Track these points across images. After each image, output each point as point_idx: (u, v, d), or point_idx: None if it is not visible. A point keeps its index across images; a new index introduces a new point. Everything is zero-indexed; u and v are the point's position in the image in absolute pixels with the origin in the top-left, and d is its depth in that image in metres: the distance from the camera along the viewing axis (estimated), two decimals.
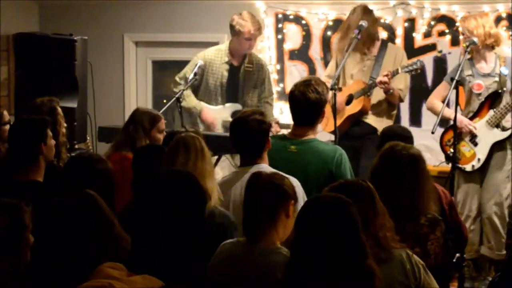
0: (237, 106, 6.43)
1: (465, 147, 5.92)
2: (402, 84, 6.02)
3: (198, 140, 3.90)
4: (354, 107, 6.04)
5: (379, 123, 5.95)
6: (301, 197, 3.89)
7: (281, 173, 3.68)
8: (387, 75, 5.80)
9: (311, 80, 4.47)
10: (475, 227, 6.01)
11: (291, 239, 3.05)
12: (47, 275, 2.75)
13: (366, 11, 6.16)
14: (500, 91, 5.84)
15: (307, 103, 4.36)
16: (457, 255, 5.27)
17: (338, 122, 5.95)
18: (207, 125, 6.45)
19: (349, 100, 6.08)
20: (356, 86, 6.07)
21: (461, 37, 6.78)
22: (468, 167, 5.94)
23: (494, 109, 5.85)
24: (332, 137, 5.60)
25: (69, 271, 2.73)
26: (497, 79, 5.86)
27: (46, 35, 6.40)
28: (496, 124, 5.85)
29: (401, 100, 6.22)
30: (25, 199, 3.56)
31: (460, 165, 5.93)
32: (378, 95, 6.02)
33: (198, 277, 2.73)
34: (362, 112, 6.01)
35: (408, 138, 4.59)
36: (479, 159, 5.91)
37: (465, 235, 4.57)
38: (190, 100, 6.45)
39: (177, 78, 6.56)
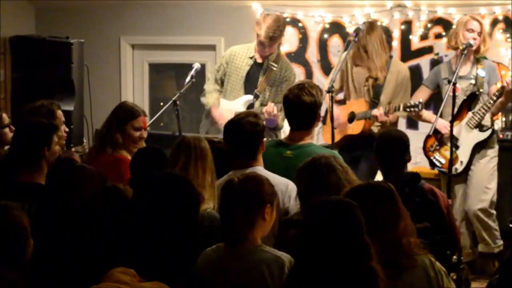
0: (248, 97, 6.37)
1: (448, 151, 5.92)
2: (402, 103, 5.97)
3: (202, 142, 3.93)
4: (354, 129, 6.01)
5: None
6: (294, 199, 3.90)
7: (272, 175, 3.66)
8: (388, 110, 5.79)
9: (305, 83, 4.46)
10: (463, 230, 6.01)
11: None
12: (58, 275, 2.76)
13: (373, 28, 6.07)
14: (477, 93, 5.86)
15: (302, 106, 4.34)
16: (454, 257, 5.28)
17: (337, 137, 5.94)
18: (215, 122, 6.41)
19: (351, 118, 6.06)
20: (359, 105, 6.03)
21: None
22: (453, 171, 5.96)
23: (473, 111, 5.87)
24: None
25: (81, 272, 2.74)
26: (473, 81, 5.89)
27: (43, 38, 6.39)
28: (476, 125, 5.87)
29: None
30: (29, 201, 3.59)
31: (443, 170, 5.99)
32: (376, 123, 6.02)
33: (194, 277, 2.73)
34: (362, 135, 5.98)
35: (405, 141, 4.57)
36: (461, 162, 5.93)
37: (459, 240, 4.54)
38: (208, 97, 6.43)
39: (209, 75, 6.50)
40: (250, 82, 6.38)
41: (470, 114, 5.89)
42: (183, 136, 4.10)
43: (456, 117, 5.88)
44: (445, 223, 4.17)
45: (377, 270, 2.65)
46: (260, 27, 6.18)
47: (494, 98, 5.78)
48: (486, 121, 5.93)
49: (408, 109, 5.78)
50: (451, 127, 5.40)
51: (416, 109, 5.75)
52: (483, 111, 5.83)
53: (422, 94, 6.12)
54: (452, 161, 5.54)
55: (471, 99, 5.88)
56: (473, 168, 5.94)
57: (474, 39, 5.83)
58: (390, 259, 2.89)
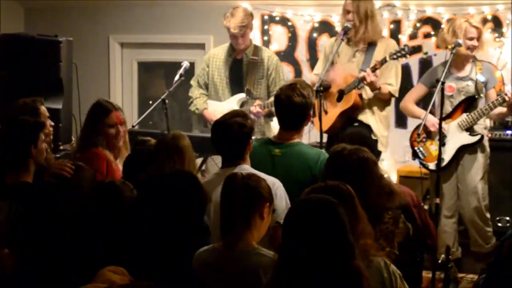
0: (241, 95, 6.39)
1: (433, 146, 5.93)
2: (392, 78, 5.89)
3: (179, 140, 3.95)
4: (346, 103, 5.89)
5: (374, 124, 5.89)
6: (284, 198, 3.92)
7: (258, 174, 3.67)
8: (375, 66, 5.67)
9: (297, 83, 4.44)
10: (447, 229, 6.01)
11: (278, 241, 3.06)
12: (47, 275, 2.76)
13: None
14: (476, 96, 5.87)
15: (292, 107, 4.33)
16: (442, 256, 5.30)
17: (332, 119, 5.88)
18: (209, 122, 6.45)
19: (340, 96, 5.93)
20: (346, 81, 5.93)
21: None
22: (431, 166, 5.95)
23: (467, 114, 5.87)
24: (325, 138, 5.55)
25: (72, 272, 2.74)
26: (469, 83, 5.88)
27: (31, 36, 6.34)
28: (467, 128, 5.87)
29: (393, 96, 6.00)
30: (15, 201, 3.58)
31: (424, 163, 5.99)
32: (368, 92, 5.89)
33: (192, 278, 2.73)
34: (355, 107, 5.87)
35: (369, 139, 4.55)
36: (443, 159, 5.92)
37: (434, 235, 4.52)
38: (196, 103, 6.48)
39: (192, 82, 6.54)
40: (235, 80, 6.41)
41: (464, 115, 5.88)
42: (162, 135, 4.14)
43: (449, 115, 5.90)
44: (414, 223, 4.13)
45: (362, 269, 2.65)
46: (228, 20, 6.24)
47: (492, 106, 5.75)
48: (478, 126, 5.92)
49: (395, 56, 5.68)
50: (440, 125, 5.39)
51: (403, 52, 5.67)
52: (478, 116, 5.81)
53: (418, 91, 6.12)
54: (440, 160, 5.53)
55: (470, 102, 5.88)
56: (465, 175, 5.94)
57: (475, 46, 5.82)
58: None
